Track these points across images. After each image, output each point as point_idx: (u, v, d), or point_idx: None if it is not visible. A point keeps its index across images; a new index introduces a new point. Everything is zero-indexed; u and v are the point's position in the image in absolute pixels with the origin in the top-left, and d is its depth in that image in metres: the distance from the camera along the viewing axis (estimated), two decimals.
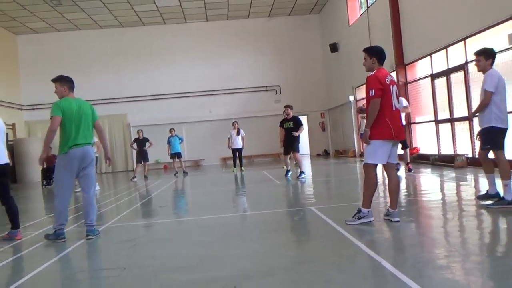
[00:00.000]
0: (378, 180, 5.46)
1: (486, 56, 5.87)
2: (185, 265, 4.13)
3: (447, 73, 12.55)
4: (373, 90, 5.05)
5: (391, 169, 5.35)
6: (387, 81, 5.12)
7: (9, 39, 23.20)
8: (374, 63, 5.29)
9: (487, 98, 5.65)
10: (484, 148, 5.85)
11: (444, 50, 12.56)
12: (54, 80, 5.84)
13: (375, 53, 5.31)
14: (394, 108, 5.14)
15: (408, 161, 11.09)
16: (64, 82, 5.82)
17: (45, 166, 17.32)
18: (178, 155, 17.14)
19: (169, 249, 4.92)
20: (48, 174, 16.82)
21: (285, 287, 3.29)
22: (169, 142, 17.05)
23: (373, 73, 5.24)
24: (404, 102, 10.71)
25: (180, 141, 17.40)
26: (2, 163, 5.89)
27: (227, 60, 24.50)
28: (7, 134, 19.98)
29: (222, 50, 24.56)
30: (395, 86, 5.21)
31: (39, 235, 6.16)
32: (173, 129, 17.41)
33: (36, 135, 23.02)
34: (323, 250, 4.34)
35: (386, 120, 5.06)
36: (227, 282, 3.49)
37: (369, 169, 5.26)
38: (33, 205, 11.47)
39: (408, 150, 11.09)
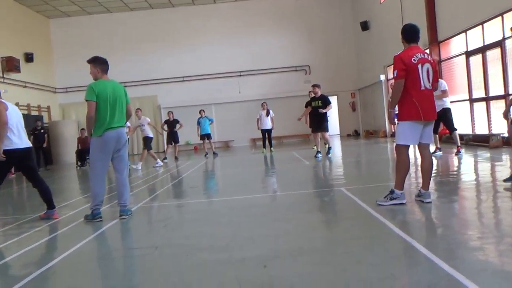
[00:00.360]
0: (410, 161, 5.36)
1: None
2: (215, 244, 4.18)
3: (482, 50, 12.15)
4: (396, 71, 4.97)
5: (424, 149, 5.24)
6: (414, 60, 4.95)
7: (43, 23, 23.64)
8: (403, 42, 5.19)
9: None
10: None
11: (480, 26, 12.14)
12: (88, 61, 5.85)
13: (403, 32, 5.21)
14: (422, 88, 4.97)
15: (458, 144, 10.39)
16: (97, 64, 5.82)
17: (79, 148, 17.80)
18: (208, 136, 17.22)
19: (199, 229, 4.99)
20: (82, 156, 17.26)
21: (316, 267, 3.29)
22: (198, 123, 17.14)
23: (398, 53, 5.12)
24: (443, 85, 10.24)
25: (210, 122, 17.47)
26: (23, 147, 5.96)
27: (256, 41, 24.34)
28: (42, 116, 20.54)
29: (251, 30, 24.40)
30: (426, 65, 5.00)
31: (74, 215, 6.35)
32: (203, 110, 17.49)
33: (70, 117, 23.56)
34: (353, 231, 4.32)
35: (413, 101, 4.93)
36: (256, 262, 3.52)
37: (401, 150, 5.17)
38: (68, 185, 11.80)
39: (456, 132, 10.45)
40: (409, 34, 5.17)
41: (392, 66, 5.16)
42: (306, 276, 3.13)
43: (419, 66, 4.96)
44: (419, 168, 5.39)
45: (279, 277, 3.15)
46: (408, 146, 5.18)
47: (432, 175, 5.70)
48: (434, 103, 5.13)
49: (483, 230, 4.00)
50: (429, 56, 5.15)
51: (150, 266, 3.70)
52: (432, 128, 5.25)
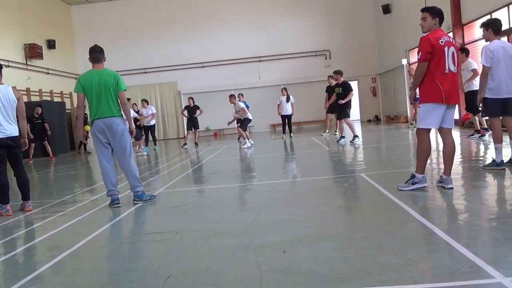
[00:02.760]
0: (432, 146, 5.30)
1: (486, 27, 6.12)
2: (235, 229, 4.20)
3: (508, 32, 11.82)
4: (421, 53, 4.92)
5: (446, 134, 5.17)
6: (441, 42, 4.89)
7: (64, 9, 23.87)
8: (436, 24, 5.08)
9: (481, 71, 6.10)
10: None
11: (506, 7, 11.81)
12: None
13: (438, 14, 5.10)
14: (447, 71, 4.91)
15: (478, 128, 10.34)
16: (89, 54, 5.96)
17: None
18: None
19: (220, 214, 5.03)
20: None
21: (336, 253, 3.29)
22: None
23: (425, 34, 5.03)
24: (473, 64, 9.98)
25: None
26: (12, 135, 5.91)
27: (276, 25, 24.13)
28: (64, 102, 20.71)
29: (271, 15, 24.18)
30: (452, 48, 4.95)
31: (97, 200, 6.46)
32: (241, 94, 17.50)
33: None
34: (374, 217, 4.29)
35: (436, 83, 4.88)
36: (276, 247, 3.53)
37: (421, 134, 5.12)
38: (92, 171, 11.98)
39: (478, 116, 10.30)
40: (442, 17, 5.14)
41: (417, 48, 5.09)
42: (326, 261, 3.13)
43: (446, 48, 4.90)
44: (441, 153, 5.31)
45: (298, 262, 3.16)
46: (429, 130, 5.14)
47: (455, 160, 5.61)
48: (458, 87, 5.07)
49: (505, 217, 3.94)
50: (453, 40, 5.09)
51: (170, 250, 3.75)
52: (454, 113, 5.18)
